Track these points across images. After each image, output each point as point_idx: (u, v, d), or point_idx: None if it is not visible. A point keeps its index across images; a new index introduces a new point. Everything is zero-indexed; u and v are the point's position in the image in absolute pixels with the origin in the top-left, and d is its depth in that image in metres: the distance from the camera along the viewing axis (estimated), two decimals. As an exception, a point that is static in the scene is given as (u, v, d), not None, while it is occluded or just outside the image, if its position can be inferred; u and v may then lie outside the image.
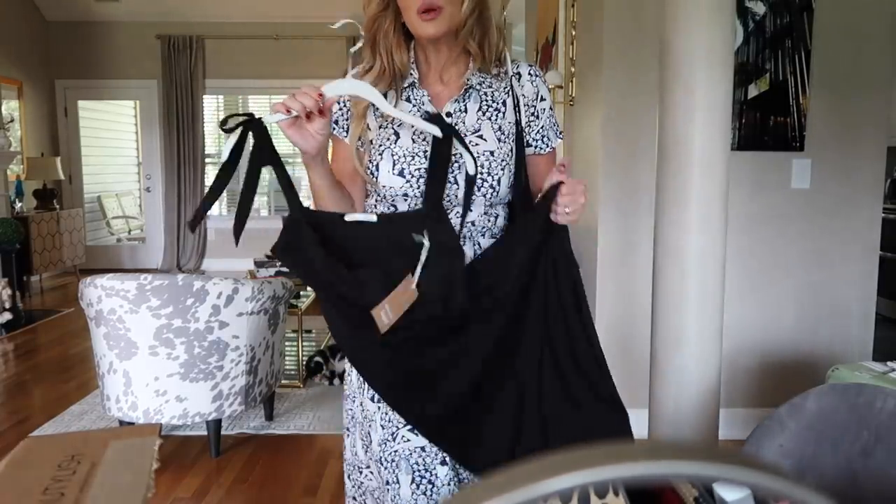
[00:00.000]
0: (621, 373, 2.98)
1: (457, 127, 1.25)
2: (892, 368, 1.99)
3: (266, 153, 1.16)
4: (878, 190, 2.94)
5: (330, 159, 1.34)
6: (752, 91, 2.85)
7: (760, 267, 2.96)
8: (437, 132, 1.17)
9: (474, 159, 1.19)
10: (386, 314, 1.14)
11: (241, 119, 1.12)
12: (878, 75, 2.88)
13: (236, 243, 1.18)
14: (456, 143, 1.18)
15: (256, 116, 1.14)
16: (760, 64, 2.85)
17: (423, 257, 1.15)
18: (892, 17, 2.85)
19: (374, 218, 1.21)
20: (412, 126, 1.24)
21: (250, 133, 1.13)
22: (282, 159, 1.18)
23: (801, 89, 2.86)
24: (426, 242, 1.15)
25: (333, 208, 1.26)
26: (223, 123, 1.12)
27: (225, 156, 1.14)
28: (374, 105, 1.27)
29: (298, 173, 7.90)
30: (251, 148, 1.16)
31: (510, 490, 0.31)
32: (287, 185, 1.20)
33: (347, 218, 1.20)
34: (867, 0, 2.84)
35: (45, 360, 4.40)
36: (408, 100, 1.29)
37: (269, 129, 1.16)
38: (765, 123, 2.88)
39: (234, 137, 1.12)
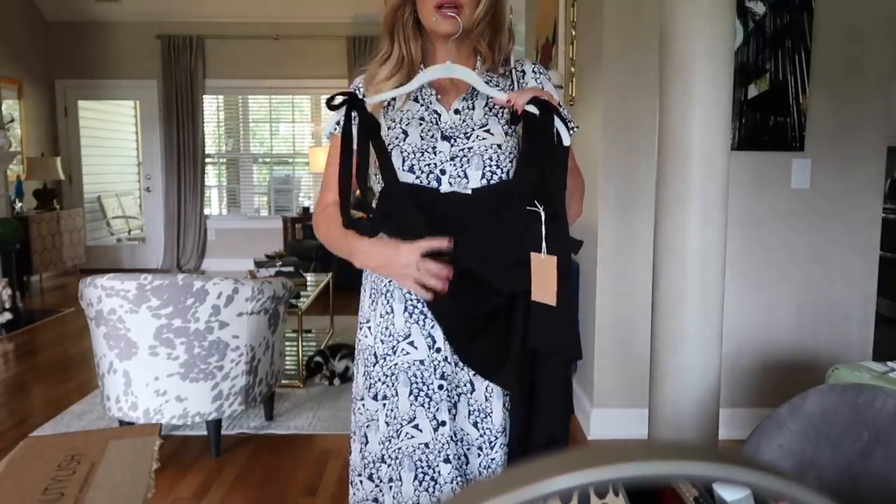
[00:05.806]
0: (621, 373, 3.00)
1: (464, 122, 1.27)
2: (892, 368, 1.99)
3: (369, 124, 1.23)
4: (878, 190, 2.94)
5: (326, 159, 1.38)
6: (752, 91, 2.85)
7: (760, 267, 2.96)
8: (535, 111, 1.19)
9: (569, 131, 1.21)
10: (543, 294, 1.19)
11: (343, 98, 1.23)
12: (878, 75, 2.88)
13: (347, 220, 1.27)
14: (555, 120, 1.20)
15: (359, 95, 1.26)
16: (760, 64, 2.84)
17: (543, 227, 1.18)
18: (892, 17, 2.85)
19: (468, 192, 1.24)
20: (420, 123, 1.27)
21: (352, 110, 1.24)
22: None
23: (801, 89, 2.85)
24: (542, 212, 1.18)
25: None
26: (330, 100, 1.23)
27: (328, 131, 1.31)
28: (384, 107, 1.30)
29: (298, 173, 7.91)
30: (356, 122, 1.25)
31: (510, 490, 0.31)
32: (385, 157, 1.24)
33: (443, 190, 1.24)
34: (867, 0, 2.84)
35: (45, 360, 4.40)
36: (415, 100, 1.30)
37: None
38: (765, 123, 2.87)
39: (339, 114, 1.25)
